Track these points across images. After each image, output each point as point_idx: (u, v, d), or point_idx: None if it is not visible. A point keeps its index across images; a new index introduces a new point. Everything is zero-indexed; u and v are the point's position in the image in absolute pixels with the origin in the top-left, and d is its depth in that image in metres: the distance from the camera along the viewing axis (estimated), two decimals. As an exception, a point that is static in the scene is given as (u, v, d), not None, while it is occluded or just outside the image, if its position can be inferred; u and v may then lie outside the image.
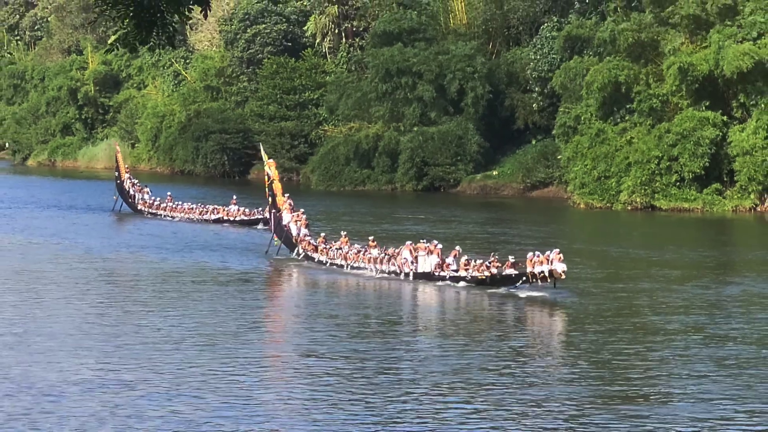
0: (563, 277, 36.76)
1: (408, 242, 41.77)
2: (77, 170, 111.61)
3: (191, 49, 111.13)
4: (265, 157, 50.51)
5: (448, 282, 39.48)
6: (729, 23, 69.70)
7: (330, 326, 32.05)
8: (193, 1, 13.17)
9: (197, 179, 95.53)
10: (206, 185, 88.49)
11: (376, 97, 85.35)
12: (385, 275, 41.37)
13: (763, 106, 68.07)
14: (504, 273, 38.20)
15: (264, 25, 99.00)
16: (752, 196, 68.31)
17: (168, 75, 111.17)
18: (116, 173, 69.71)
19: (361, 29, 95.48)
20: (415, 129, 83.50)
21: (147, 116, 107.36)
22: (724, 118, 69.32)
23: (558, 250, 37.50)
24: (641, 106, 71.47)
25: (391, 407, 22.89)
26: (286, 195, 48.98)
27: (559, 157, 77.12)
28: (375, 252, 42.33)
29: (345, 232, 45.79)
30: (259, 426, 21.55)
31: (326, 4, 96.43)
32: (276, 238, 47.70)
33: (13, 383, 24.56)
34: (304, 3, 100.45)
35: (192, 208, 64.09)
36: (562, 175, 76.93)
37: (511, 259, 38.75)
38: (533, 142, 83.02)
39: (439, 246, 40.74)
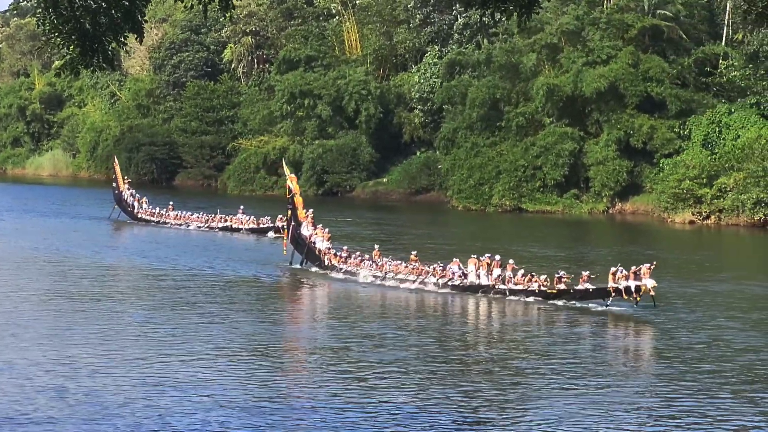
0: (652, 293, 28.70)
1: (456, 258, 33.99)
2: (25, 177, 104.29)
3: (125, 73, 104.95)
4: (287, 171, 41.50)
5: (509, 296, 31.30)
6: (579, 47, 66.32)
7: (371, 336, 25.27)
8: (129, 30, 12.16)
9: (130, 185, 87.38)
10: (139, 190, 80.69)
11: (282, 115, 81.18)
12: (428, 287, 33.19)
13: (613, 122, 65.06)
14: (580, 288, 30.09)
15: (187, 53, 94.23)
16: (605, 200, 65.33)
17: (105, 95, 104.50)
18: (114, 184, 59.45)
19: (270, 56, 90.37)
20: (316, 142, 79.06)
21: (86, 131, 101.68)
22: (581, 133, 66.47)
23: (649, 264, 29.06)
24: (510, 123, 67.45)
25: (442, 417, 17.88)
26: (309, 210, 39.91)
27: (439, 166, 73.64)
28: (416, 264, 34.24)
29: (377, 246, 37.87)
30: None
31: (241, 35, 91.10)
32: (294, 251, 38.76)
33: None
34: (222, 34, 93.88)
35: (198, 217, 53.45)
36: (442, 182, 73.17)
37: (585, 273, 30.48)
38: (418, 153, 78.87)
39: (497, 258, 32.51)
